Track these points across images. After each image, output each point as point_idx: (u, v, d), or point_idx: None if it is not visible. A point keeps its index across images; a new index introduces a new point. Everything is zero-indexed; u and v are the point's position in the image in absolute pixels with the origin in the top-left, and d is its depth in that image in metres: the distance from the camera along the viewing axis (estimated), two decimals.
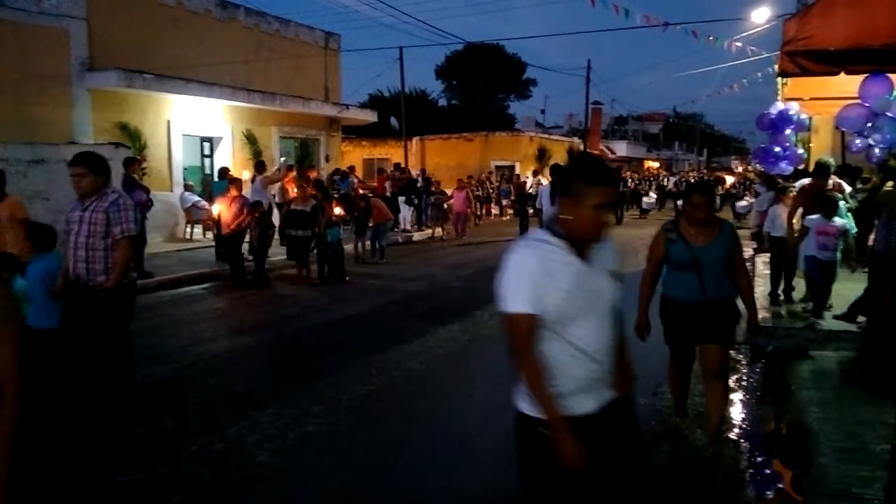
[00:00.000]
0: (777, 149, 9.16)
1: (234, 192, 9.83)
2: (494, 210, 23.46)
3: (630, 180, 27.91)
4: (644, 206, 23.71)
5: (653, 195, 25.32)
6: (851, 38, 5.92)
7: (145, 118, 13.43)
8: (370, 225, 12.39)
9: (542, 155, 28.74)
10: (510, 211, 23.44)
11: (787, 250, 7.18)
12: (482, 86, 43.70)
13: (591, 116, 36.25)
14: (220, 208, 9.93)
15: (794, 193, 7.65)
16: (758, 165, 11.47)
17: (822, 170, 7.33)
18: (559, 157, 31.14)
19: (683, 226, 3.81)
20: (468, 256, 13.05)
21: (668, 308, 3.94)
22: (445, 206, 17.24)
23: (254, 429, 4.29)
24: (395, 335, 6.69)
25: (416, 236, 16.12)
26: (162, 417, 4.53)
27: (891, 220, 5.90)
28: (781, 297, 7.56)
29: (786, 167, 9.56)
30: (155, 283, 9.34)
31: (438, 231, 16.81)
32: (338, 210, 10.72)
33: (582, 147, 34.08)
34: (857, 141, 7.83)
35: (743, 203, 20.49)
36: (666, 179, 29.56)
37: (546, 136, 34.60)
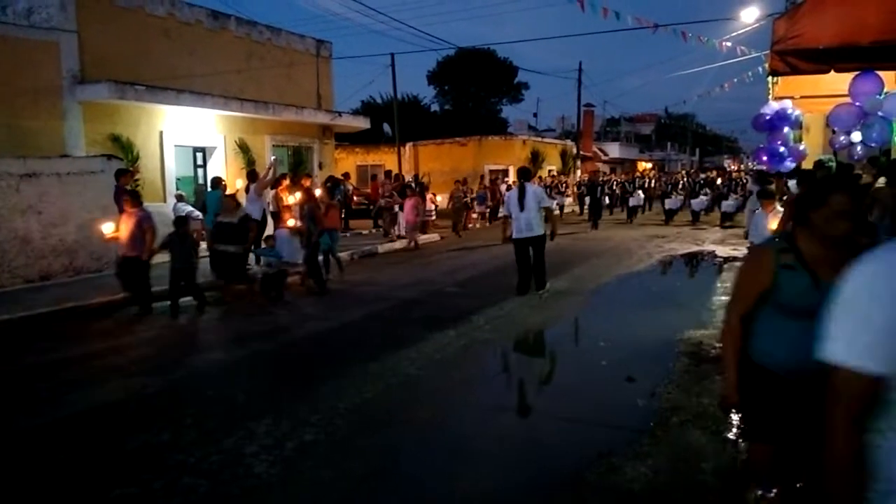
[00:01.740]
0: (781, 148, 9.23)
1: (128, 207, 8.31)
2: (474, 216, 21.34)
3: (615, 183, 27.36)
4: (631, 205, 22.82)
5: (640, 194, 24.20)
6: (840, 36, 5.97)
7: (137, 129, 13.40)
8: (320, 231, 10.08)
9: (535, 158, 28.80)
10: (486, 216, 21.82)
11: None
12: (474, 90, 43.80)
13: (583, 119, 36.51)
14: (120, 227, 8.29)
15: (787, 198, 7.60)
16: (758, 164, 11.52)
17: (808, 178, 6.81)
18: (552, 159, 31.29)
19: (807, 246, 2.34)
20: (461, 261, 13.03)
21: (767, 382, 2.37)
22: (395, 209, 16.62)
23: (251, 439, 4.27)
24: (391, 341, 6.67)
25: (398, 244, 15.78)
26: (158, 429, 4.50)
27: (882, 217, 5.91)
28: None
29: (791, 165, 9.65)
30: None
31: (393, 244, 15.68)
32: (291, 222, 9.83)
33: (575, 150, 34.23)
34: (841, 138, 7.86)
35: (730, 202, 20.03)
36: (652, 182, 28.52)
37: (539, 139, 34.76)
